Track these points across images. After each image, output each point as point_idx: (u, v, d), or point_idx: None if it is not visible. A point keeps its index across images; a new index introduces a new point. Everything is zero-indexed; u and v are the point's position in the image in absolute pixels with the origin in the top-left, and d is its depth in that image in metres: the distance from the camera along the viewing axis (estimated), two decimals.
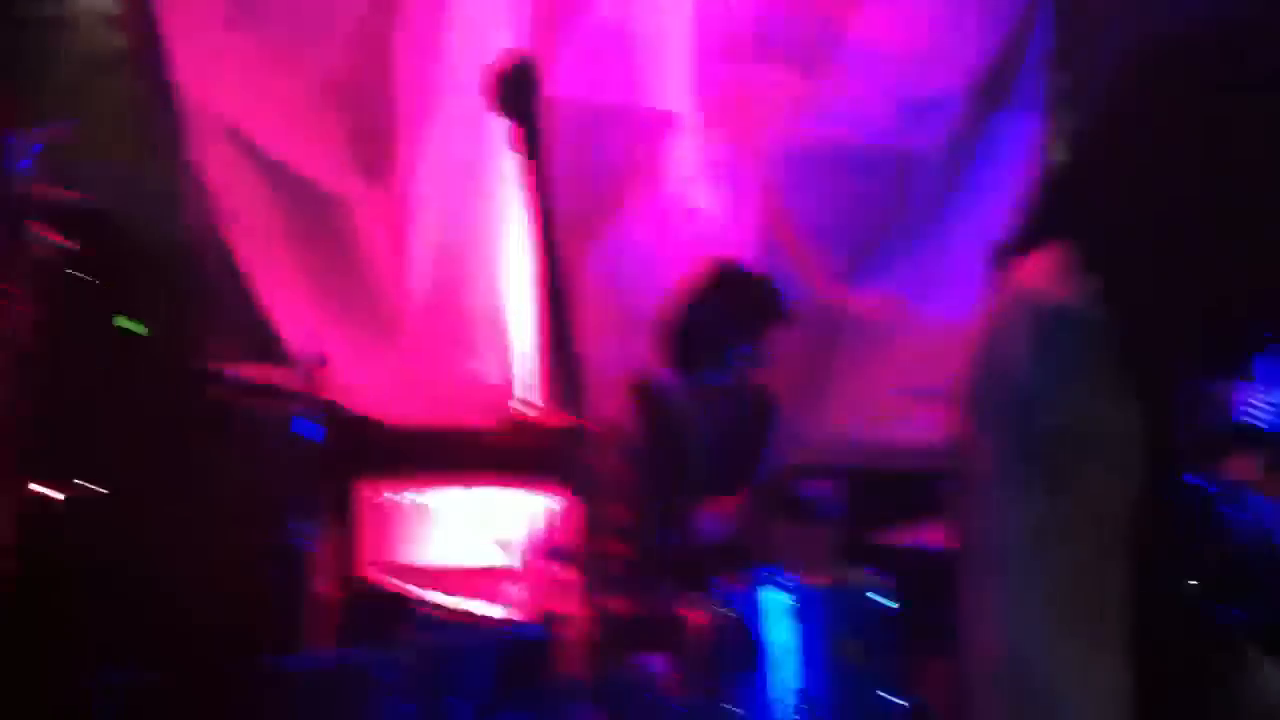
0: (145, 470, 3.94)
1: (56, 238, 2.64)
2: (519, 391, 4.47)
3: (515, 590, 3.51)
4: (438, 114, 4.41)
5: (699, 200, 4.64)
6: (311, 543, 3.62)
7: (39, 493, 3.73)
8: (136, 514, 3.87)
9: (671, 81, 4.62)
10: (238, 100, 4.33)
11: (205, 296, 4.47)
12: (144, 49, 4.25)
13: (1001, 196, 4.57)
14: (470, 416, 4.52)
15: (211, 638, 3.64)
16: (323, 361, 3.64)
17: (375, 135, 4.41)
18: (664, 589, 3.33)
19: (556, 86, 4.24)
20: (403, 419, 4.37)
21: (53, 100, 5.23)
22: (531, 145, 2.02)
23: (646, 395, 3.79)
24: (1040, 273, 1.58)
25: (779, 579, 3.26)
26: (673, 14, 4.59)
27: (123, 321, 4.14)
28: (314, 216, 4.43)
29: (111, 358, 4.29)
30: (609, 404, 3.58)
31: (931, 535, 3.50)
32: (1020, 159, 4.70)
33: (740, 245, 4.49)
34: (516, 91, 2.10)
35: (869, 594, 3.31)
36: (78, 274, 3.92)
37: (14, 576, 3.10)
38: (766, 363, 3.84)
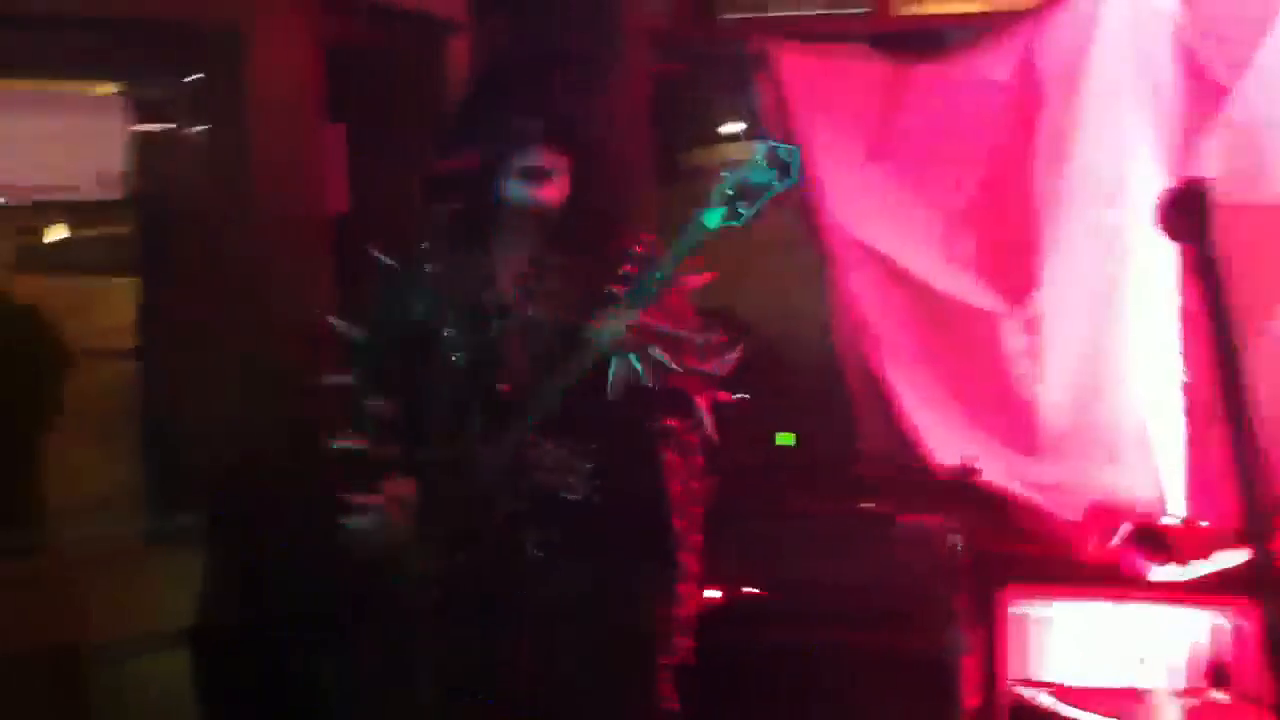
0: (804, 574, 4.21)
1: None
2: (1168, 505, 4.36)
3: (1176, 715, 3.41)
4: (1076, 226, 4.41)
5: None
6: (960, 654, 3.69)
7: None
8: (797, 612, 4.13)
9: None
10: (879, 225, 4.57)
11: (853, 411, 4.74)
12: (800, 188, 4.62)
13: None
14: (1114, 529, 4.45)
15: None
16: (973, 473, 3.73)
17: (1015, 250, 4.48)
18: None
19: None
20: (1048, 530, 4.38)
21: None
22: (1207, 268, 2.02)
23: None
24: None
25: None
26: None
27: (782, 437, 4.48)
28: (955, 333, 4.56)
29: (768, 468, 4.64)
30: None
31: None
32: None
33: None
34: (1189, 215, 2.11)
35: None
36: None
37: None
38: None
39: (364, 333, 3.04)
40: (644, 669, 3.02)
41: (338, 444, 3.00)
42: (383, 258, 2.92)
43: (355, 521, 2.91)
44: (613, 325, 2.66)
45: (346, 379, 3.04)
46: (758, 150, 2.63)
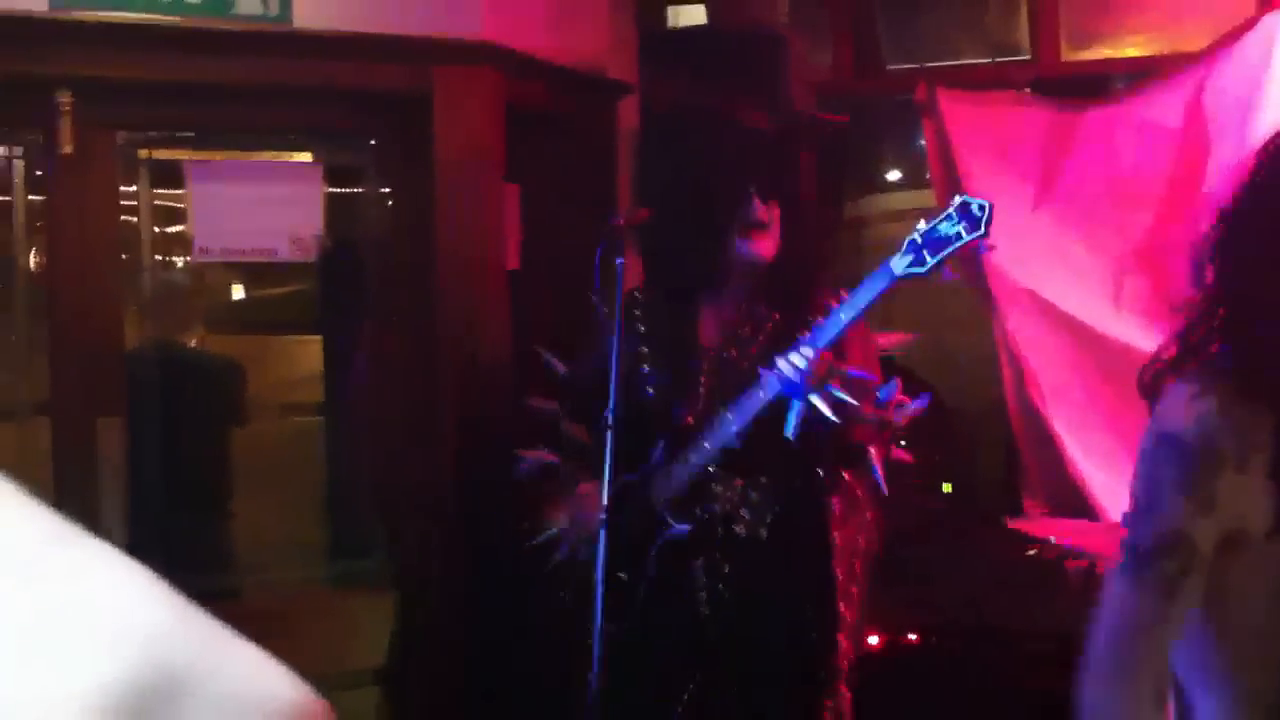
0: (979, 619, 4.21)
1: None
2: None
3: None
4: None
5: None
6: None
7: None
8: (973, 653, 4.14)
9: None
10: (1046, 271, 4.57)
11: (1017, 456, 4.73)
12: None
13: None
14: None
15: None
16: None
17: (1184, 294, 4.43)
18: None
19: None
20: None
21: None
22: None
23: None
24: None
25: None
26: None
27: (945, 485, 4.51)
28: (1124, 380, 4.51)
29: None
30: None
31: None
32: None
33: None
34: None
35: None
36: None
37: None
38: None
39: (570, 368, 3.18)
40: (799, 711, 3.05)
41: (529, 456, 3.13)
42: (598, 303, 3.03)
43: (550, 525, 3.03)
44: (793, 362, 2.73)
45: (550, 405, 3.18)
46: (952, 202, 2.70)
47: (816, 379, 2.74)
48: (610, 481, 2.75)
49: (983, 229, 2.66)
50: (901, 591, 4.37)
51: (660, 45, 4.40)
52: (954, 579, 4.40)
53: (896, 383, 2.90)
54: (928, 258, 2.69)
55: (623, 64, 4.42)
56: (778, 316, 3.01)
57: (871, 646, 4.33)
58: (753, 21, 4.78)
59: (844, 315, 2.75)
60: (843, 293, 2.95)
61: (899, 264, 2.71)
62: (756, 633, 2.99)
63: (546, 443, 3.16)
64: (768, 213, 2.96)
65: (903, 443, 3.05)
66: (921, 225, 2.71)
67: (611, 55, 4.43)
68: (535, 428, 3.23)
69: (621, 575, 2.94)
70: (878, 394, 2.86)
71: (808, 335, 2.78)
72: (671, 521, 2.92)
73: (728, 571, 2.95)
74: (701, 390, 2.99)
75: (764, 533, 2.96)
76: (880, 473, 2.91)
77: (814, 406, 2.74)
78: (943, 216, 2.71)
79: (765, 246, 2.97)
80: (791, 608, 3.04)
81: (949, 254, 2.68)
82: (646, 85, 4.24)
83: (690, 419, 2.95)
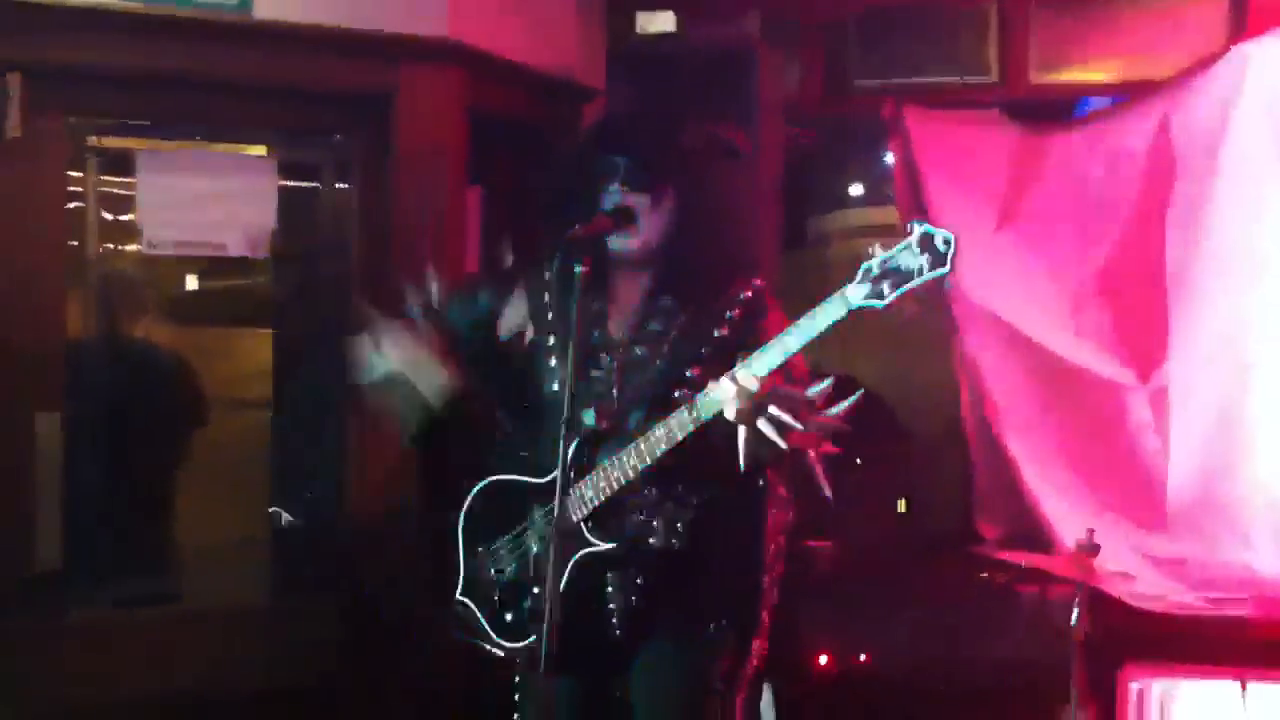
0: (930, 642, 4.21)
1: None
2: None
3: None
4: (1207, 300, 4.37)
5: None
6: None
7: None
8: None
9: None
10: (1006, 293, 4.56)
11: (971, 479, 4.73)
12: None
13: None
14: (1241, 607, 4.38)
15: None
16: (1096, 549, 3.69)
17: (1144, 322, 4.45)
18: None
19: None
20: (1170, 609, 4.31)
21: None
22: None
23: None
24: None
25: None
26: None
27: (900, 504, 4.50)
28: (1081, 405, 4.53)
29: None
30: None
31: None
32: None
33: None
34: None
35: None
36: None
37: None
38: None
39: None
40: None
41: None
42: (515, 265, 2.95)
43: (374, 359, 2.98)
44: (739, 390, 2.66)
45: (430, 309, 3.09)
46: (913, 234, 2.53)
47: (759, 405, 2.68)
48: (561, 494, 2.67)
49: (948, 264, 2.53)
50: (854, 611, 4.36)
51: (628, 54, 4.36)
52: (907, 600, 4.38)
53: (828, 385, 2.82)
54: (886, 291, 2.59)
55: (590, 70, 4.37)
56: (687, 310, 2.93)
57: (821, 666, 4.32)
58: (722, 33, 4.75)
59: (792, 341, 2.65)
60: (757, 283, 2.91)
61: (855, 294, 2.58)
62: (668, 644, 2.91)
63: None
64: (635, 199, 2.89)
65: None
66: (878, 252, 2.54)
67: (579, 61, 4.39)
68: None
69: (535, 590, 2.88)
70: (810, 397, 2.78)
71: (749, 359, 2.69)
72: (593, 539, 2.84)
73: (640, 583, 2.89)
74: (614, 391, 2.91)
75: (676, 543, 2.90)
76: (821, 473, 2.86)
77: (760, 433, 2.69)
78: (902, 246, 2.55)
79: (631, 236, 2.84)
80: (707, 618, 2.97)
81: (910, 289, 2.59)
82: (613, 92, 4.20)
83: (604, 423, 2.86)
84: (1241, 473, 4.38)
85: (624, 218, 2.85)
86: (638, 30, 4.77)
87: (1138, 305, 4.46)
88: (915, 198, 4.67)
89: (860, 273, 2.55)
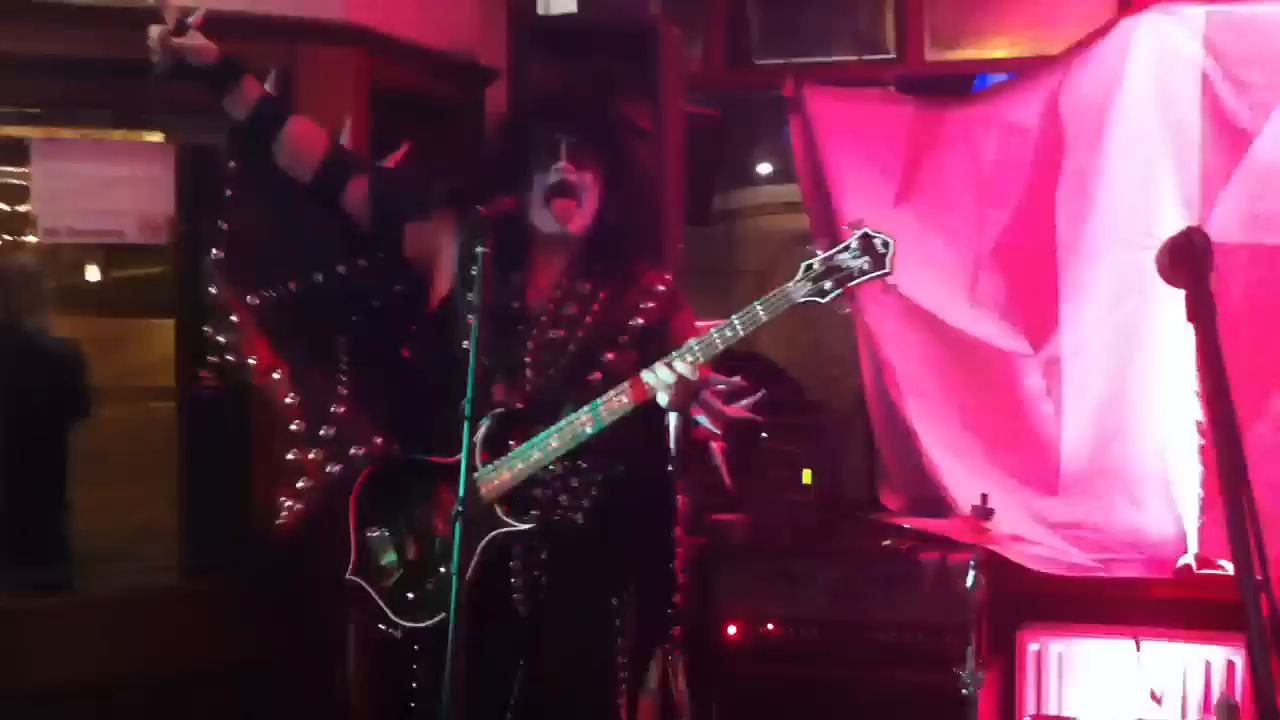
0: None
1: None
2: (1190, 545, 4.41)
3: None
4: (1098, 269, 4.49)
5: None
6: (975, 690, 3.74)
7: None
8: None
9: None
10: (906, 268, 4.61)
11: (875, 449, 4.81)
12: (821, 228, 4.71)
13: None
14: (1134, 568, 4.50)
15: None
16: (989, 514, 3.79)
17: (1037, 293, 4.55)
18: None
19: (1226, 233, 4.24)
20: (1065, 570, 4.43)
21: (741, 279, 5.86)
22: (1203, 313, 2.09)
23: None
24: None
25: None
26: None
27: (805, 475, 4.57)
28: (978, 375, 4.62)
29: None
30: None
31: None
32: None
33: None
34: (1188, 261, 2.18)
35: None
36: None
37: None
38: None
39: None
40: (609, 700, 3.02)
41: None
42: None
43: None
44: (679, 378, 2.70)
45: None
46: (854, 235, 2.70)
47: (693, 394, 2.75)
48: (468, 473, 2.69)
49: (887, 265, 2.70)
50: (762, 581, 4.42)
51: (531, 32, 4.37)
52: (814, 569, 4.45)
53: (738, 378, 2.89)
54: (828, 288, 2.70)
55: (492, 50, 4.38)
56: (604, 295, 2.97)
57: (731, 636, 4.39)
58: (623, 10, 4.77)
59: (733, 333, 2.71)
60: (668, 278, 2.99)
61: (797, 291, 2.70)
62: (574, 619, 2.95)
63: None
64: (579, 176, 2.92)
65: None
66: (820, 254, 2.71)
67: (481, 41, 4.39)
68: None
69: (441, 569, 2.87)
70: (723, 387, 2.85)
71: (690, 347, 2.74)
72: (508, 520, 2.86)
73: (544, 558, 2.92)
74: (529, 372, 2.93)
75: (581, 518, 2.94)
76: (722, 461, 2.92)
77: (696, 422, 2.75)
78: (843, 246, 2.71)
79: (567, 212, 2.90)
80: (611, 590, 3.01)
81: (850, 287, 2.71)
82: (516, 71, 4.21)
83: (520, 404, 2.88)
84: (1132, 437, 4.51)
85: (566, 193, 2.89)
86: (539, 10, 4.79)
87: (1031, 276, 4.56)
88: (816, 175, 4.74)
89: (802, 270, 2.70)
